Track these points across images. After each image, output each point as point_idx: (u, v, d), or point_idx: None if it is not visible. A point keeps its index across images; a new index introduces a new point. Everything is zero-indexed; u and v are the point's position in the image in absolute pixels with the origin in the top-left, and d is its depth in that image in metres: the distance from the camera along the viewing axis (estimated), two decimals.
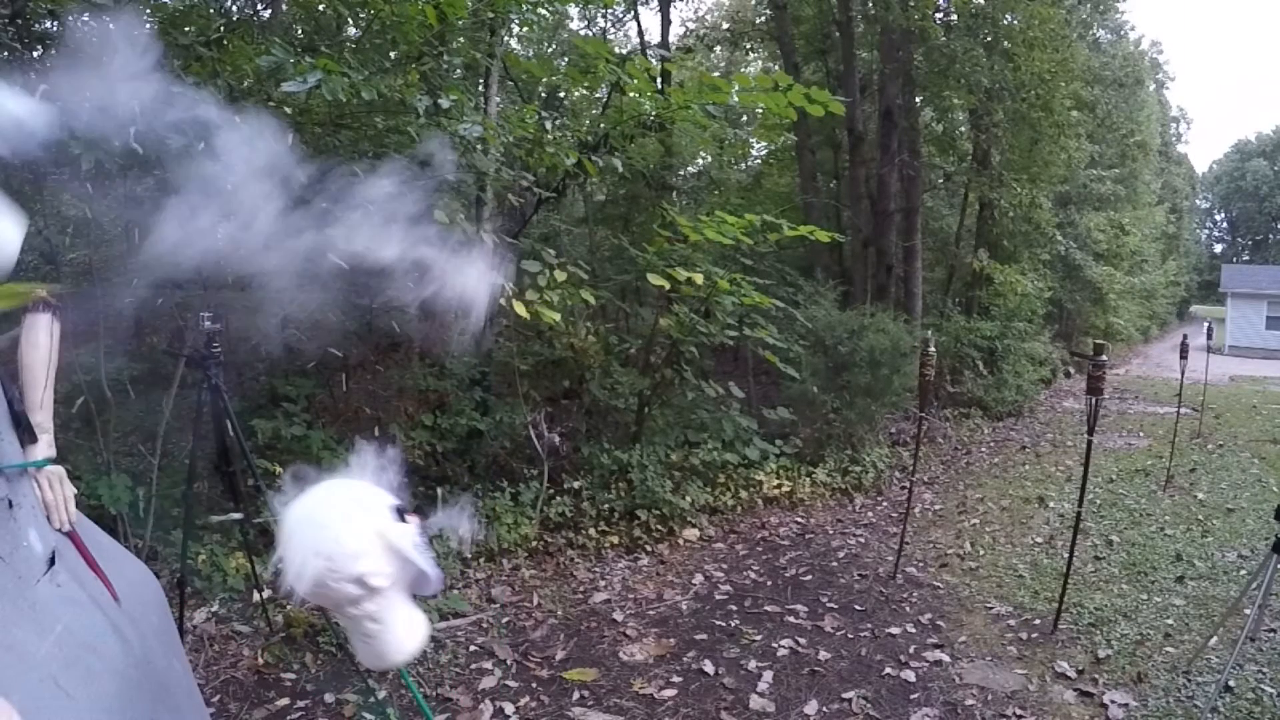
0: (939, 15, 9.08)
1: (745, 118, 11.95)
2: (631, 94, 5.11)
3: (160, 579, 1.72)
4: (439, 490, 4.15)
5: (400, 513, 1.24)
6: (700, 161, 11.66)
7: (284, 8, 5.01)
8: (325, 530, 1.21)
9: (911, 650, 3.32)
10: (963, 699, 2.90)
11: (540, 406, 5.11)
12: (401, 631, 1.28)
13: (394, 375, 5.12)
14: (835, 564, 4.48)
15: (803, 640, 3.42)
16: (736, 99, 5.05)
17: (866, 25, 9.77)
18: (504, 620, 3.51)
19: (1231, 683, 2.90)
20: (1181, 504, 5.70)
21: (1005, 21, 8.95)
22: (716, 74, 11.82)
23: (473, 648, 3.26)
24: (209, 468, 3.55)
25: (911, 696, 2.93)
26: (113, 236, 3.63)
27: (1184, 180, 33.41)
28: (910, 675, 3.09)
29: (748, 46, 12.58)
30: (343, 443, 3.97)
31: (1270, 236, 47.03)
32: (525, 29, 8.91)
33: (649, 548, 4.53)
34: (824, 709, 2.85)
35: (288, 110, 3.85)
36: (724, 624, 3.59)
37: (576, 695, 2.92)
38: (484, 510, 4.22)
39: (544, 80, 7.92)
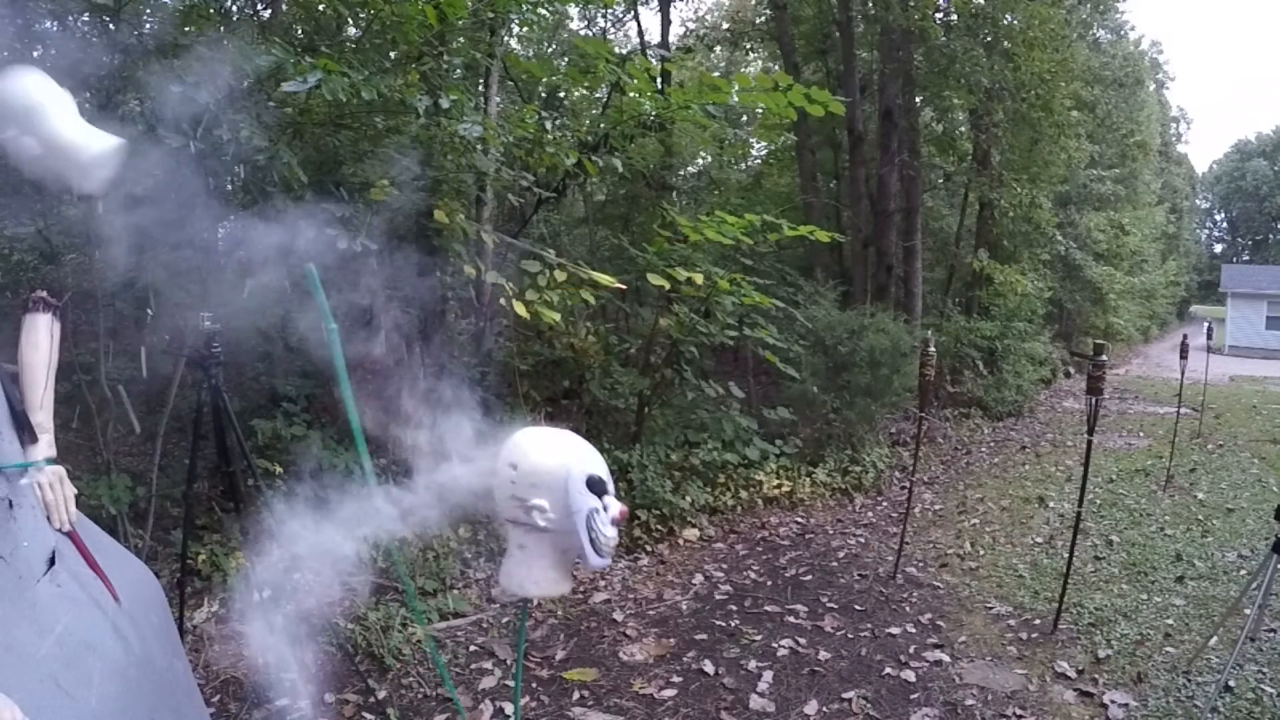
0: (939, 15, 9.07)
1: (745, 118, 11.94)
2: (631, 94, 5.11)
3: (160, 579, 1.72)
4: None
5: (598, 485, 1.27)
6: (700, 161, 11.65)
7: (284, 8, 5.01)
8: (532, 453, 1.29)
9: (911, 650, 3.32)
10: (963, 699, 2.90)
11: (540, 406, 5.11)
12: (536, 574, 1.32)
13: (393, 375, 5.12)
14: (835, 564, 4.48)
15: (803, 640, 3.42)
16: (736, 99, 5.05)
17: (866, 25, 9.76)
18: (504, 620, 3.51)
19: (1231, 683, 2.90)
20: (1181, 504, 5.70)
21: (1005, 21, 8.94)
22: (716, 74, 11.83)
23: (473, 648, 3.26)
24: (209, 468, 3.56)
25: (911, 696, 2.93)
26: (112, 237, 3.63)
27: (1184, 180, 33.43)
28: (910, 675, 3.09)
29: (748, 46, 12.57)
30: (342, 443, 3.97)
31: (1270, 236, 47.02)
32: (525, 29, 8.90)
33: (649, 548, 4.53)
34: (824, 709, 2.85)
35: (288, 110, 3.85)
36: (724, 624, 3.59)
37: (576, 695, 2.93)
38: None
39: (544, 80, 7.91)
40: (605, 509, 1.27)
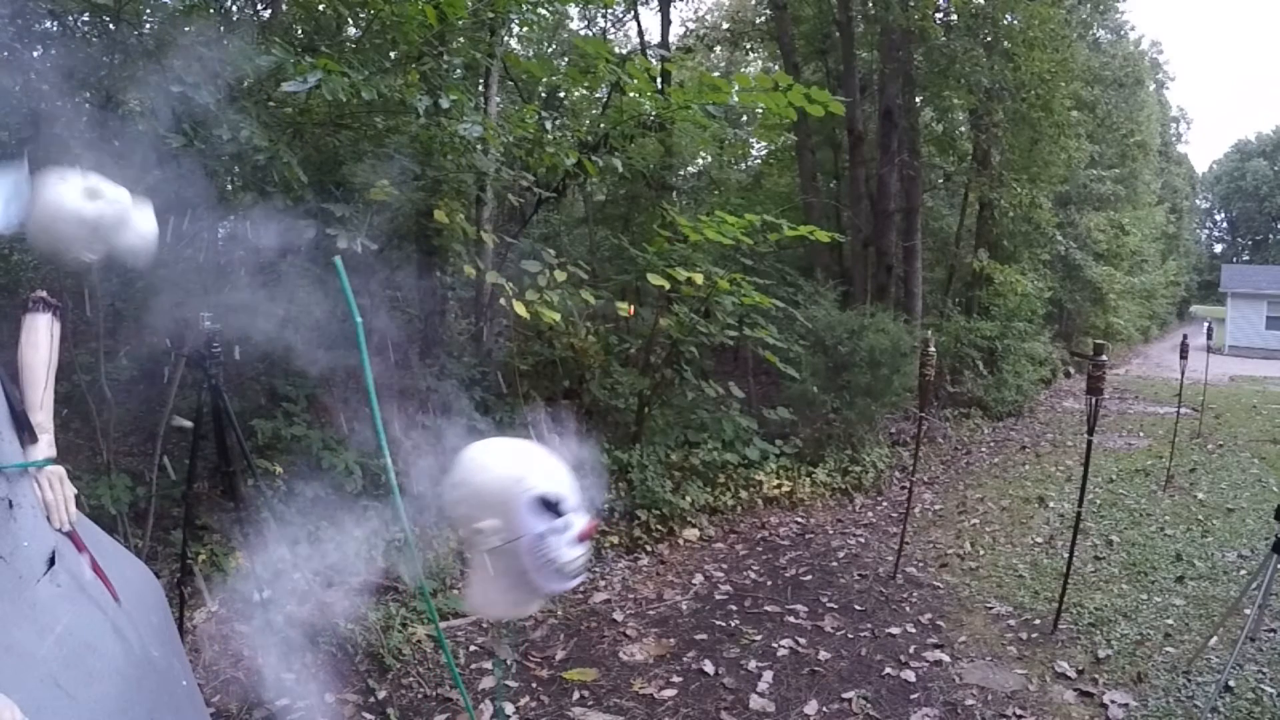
0: (939, 15, 9.07)
1: (745, 118, 11.94)
2: (631, 94, 5.12)
3: (160, 579, 1.71)
4: None
5: (552, 506, 1.18)
6: (700, 161, 11.65)
7: (284, 8, 5.01)
8: (478, 472, 1.22)
9: (911, 650, 3.32)
10: (963, 699, 2.90)
11: (540, 406, 5.11)
12: (493, 595, 1.26)
13: (394, 375, 5.12)
14: (835, 564, 4.48)
15: (803, 640, 3.42)
16: (736, 99, 5.06)
17: (866, 25, 9.76)
18: (504, 620, 3.51)
19: (1231, 683, 2.90)
20: (1181, 504, 5.70)
21: (1005, 21, 8.94)
22: (716, 74, 11.81)
23: (473, 648, 3.26)
24: (209, 468, 3.56)
25: (911, 696, 2.93)
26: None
27: (1184, 180, 33.39)
28: (910, 675, 3.09)
29: (748, 46, 12.57)
30: (343, 443, 3.97)
31: (1270, 236, 47.00)
32: (525, 29, 8.90)
33: (649, 548, 4.53)
34: (824, 709, 2.85)
35: (288, 110, 3.85)
36: (724, 624, 3.59)
37: (576, 695, 2.93)
38: None
39: (544, 80, 7.92)
40: (566, 528, 1.18)
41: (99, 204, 1.49)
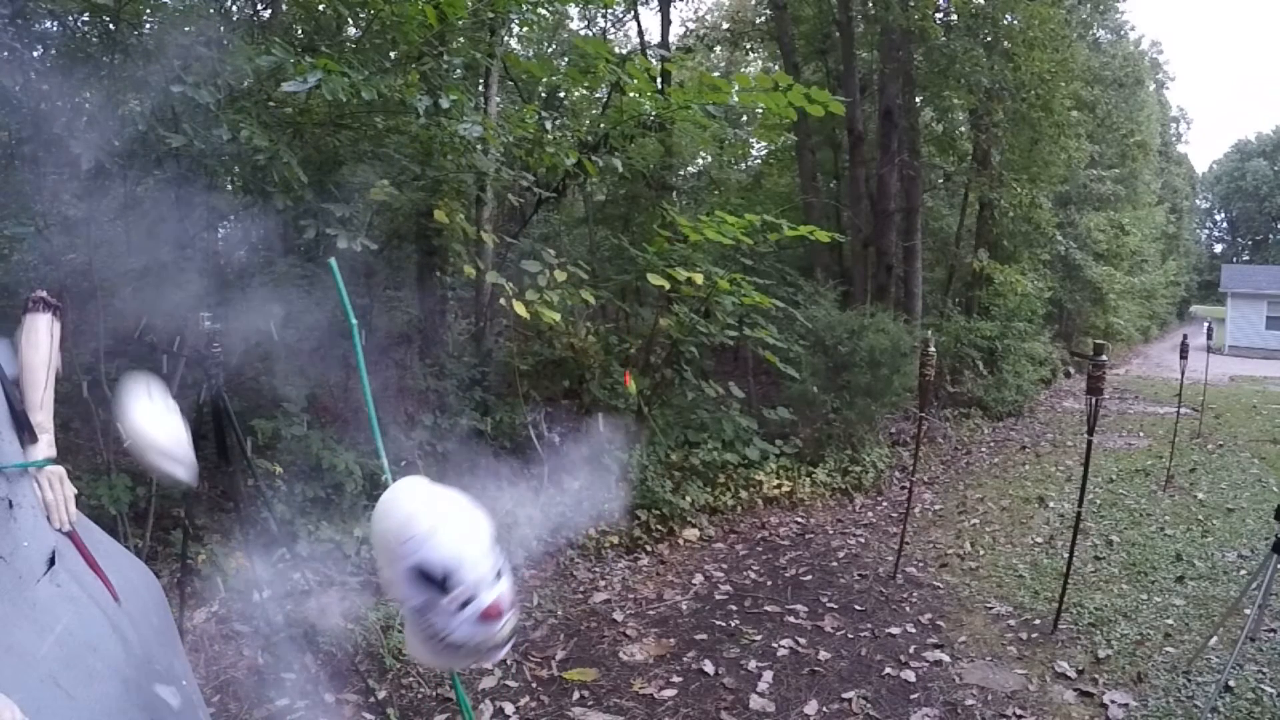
0: (939, 15, 9.07)
1: (745, 118, 11.93)
2: (631, 94, 5.12)
3: (160, 579, 1.71)
4: None
5: (437, 579, 1.02)
6: (700, 161, 11.64)
7: (284, 8, 5.01)
8: (381, 519, 1.13)
9: (911, 650, 3.32)
10: (963, 699, 2.90)
11: (540, 406, 5.11)
12: (417, 640, 1.19)
13: (394, 375, 5.12)
14: (835, 564, 4.48)
15: (803, 640, 3.42)
16: (736, 99, 5.06)
17: (866, 25, 9.76)
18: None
19: (1231, 683, 2.90)
20: (1181, 504, 5.70)
21: (1005, 21, 8.95)
22: (716, 74, 11.82)
23: None
24: (209, 468, 3.56)
25: (911, 696, 2.93)
26: (112, 237, 3.63)
27: (1184, 180, 33.36)
28: (910, 675, 3.09)
29: (748, 46, 12.56)
30: (342, 442, 3.96)
31: (1270, 236, 46.97)
32: (525, 29, 8.91)
33: (649, 548, 4.53)
34: (824, 709, 2.85)
35: (288, 110, 3.85)
36: (724, 624, 3.59)
37: (576, 695, 2.93)
38: None
39: (544, 80, 7.92)
40: (457, 604, 1.02)
41: (167, 460, 1.74)
